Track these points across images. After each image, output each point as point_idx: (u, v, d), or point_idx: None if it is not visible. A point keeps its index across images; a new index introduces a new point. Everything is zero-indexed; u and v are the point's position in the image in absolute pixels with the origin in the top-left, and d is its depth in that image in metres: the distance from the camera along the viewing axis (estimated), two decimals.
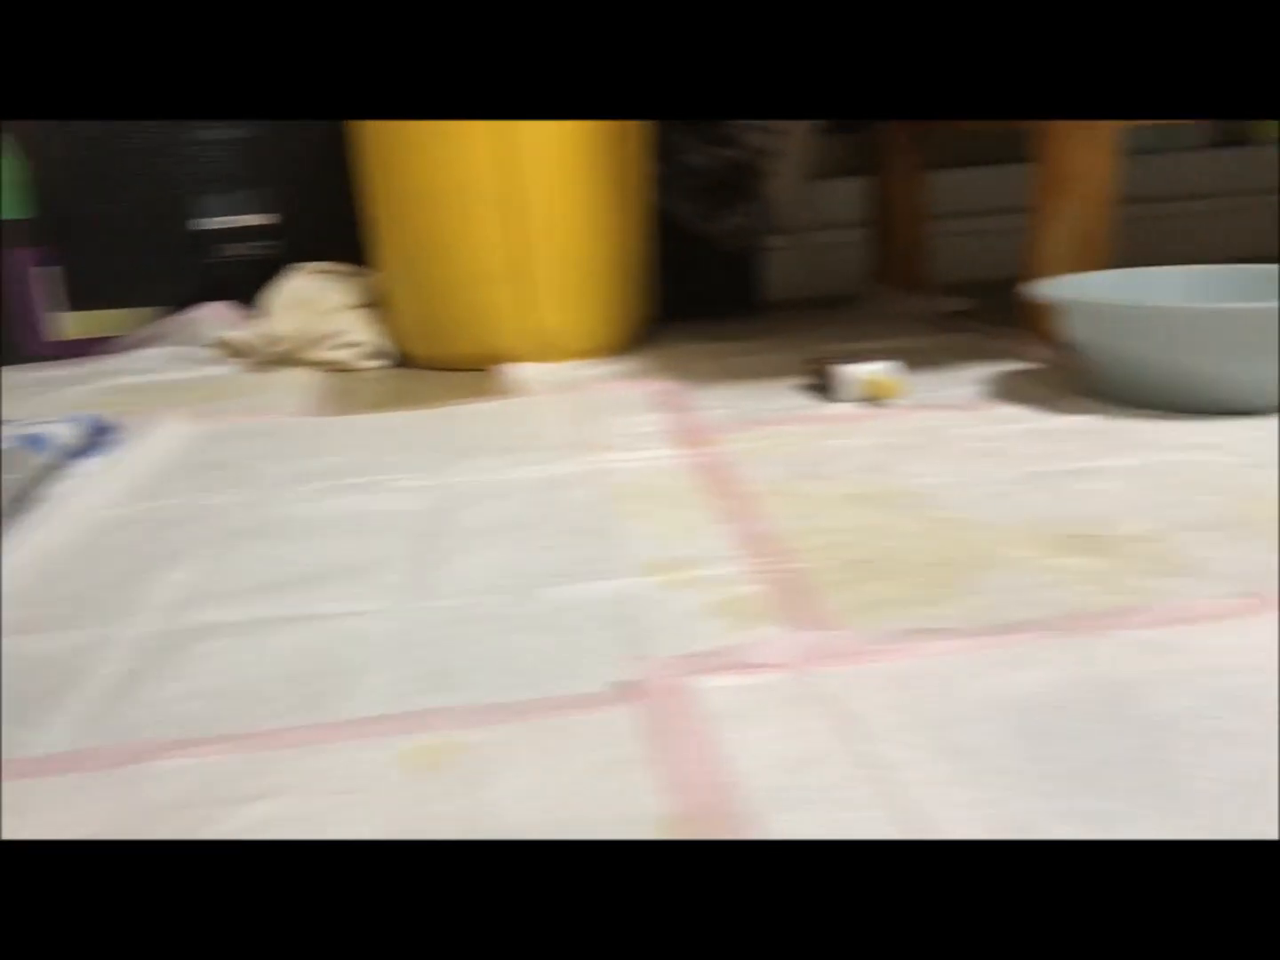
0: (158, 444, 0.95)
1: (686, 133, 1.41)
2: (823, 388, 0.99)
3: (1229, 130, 1.78)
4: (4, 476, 0.77)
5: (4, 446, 0.81)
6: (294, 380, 1.20)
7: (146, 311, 1.42)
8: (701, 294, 1.44)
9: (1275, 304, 0.87)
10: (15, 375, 1.31)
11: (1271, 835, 0.37)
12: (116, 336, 1.41)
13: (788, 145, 1.43)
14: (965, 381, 1.01)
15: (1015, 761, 0.42)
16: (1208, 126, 1.78)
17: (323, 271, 1.32)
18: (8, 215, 1.38)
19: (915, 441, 0.83)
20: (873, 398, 0.94)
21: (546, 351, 1.16)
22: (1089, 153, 1.00)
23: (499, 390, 1.09)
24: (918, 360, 1.10)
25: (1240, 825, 0.37)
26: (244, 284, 1.38)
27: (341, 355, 1.24)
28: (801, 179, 1.46)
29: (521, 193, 1.12)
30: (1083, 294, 0.96)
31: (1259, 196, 1.73)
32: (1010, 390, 0.97)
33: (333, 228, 1.33)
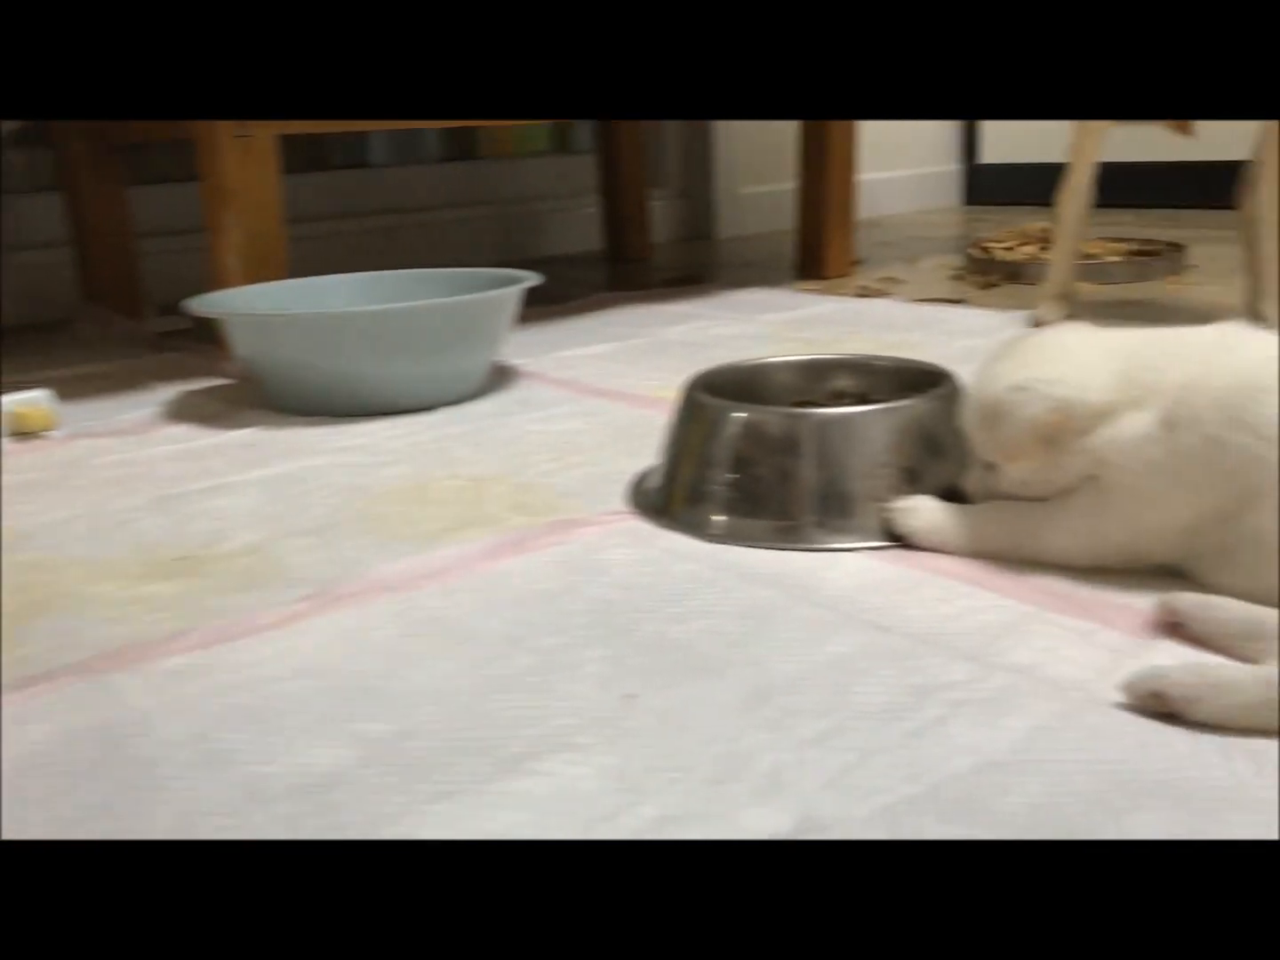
0: None
1: None
2: None
3: (459, 145, 1.91)
4: None
5: None
6: None
7: None
8: None
9: (405, 305, 0.91)
10: None
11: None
12: None
13: None
14: (147, 404, 0.95)
15: None
16: (438, 140, 1.89)
17: None
18: None
19: (48, 477, 0.76)
20: (21, 431, 0.85)
21: None
22: (247, 167, 0.99)
23: None
24: (103, 384, 1.02)
25: (215, 828, 0.36)
26: None
27: None
28: None
29: None
30: (242, 306, 0.95)
31: (486, 206, 1.88)
32: (187, 409, 0.93)
33: None
